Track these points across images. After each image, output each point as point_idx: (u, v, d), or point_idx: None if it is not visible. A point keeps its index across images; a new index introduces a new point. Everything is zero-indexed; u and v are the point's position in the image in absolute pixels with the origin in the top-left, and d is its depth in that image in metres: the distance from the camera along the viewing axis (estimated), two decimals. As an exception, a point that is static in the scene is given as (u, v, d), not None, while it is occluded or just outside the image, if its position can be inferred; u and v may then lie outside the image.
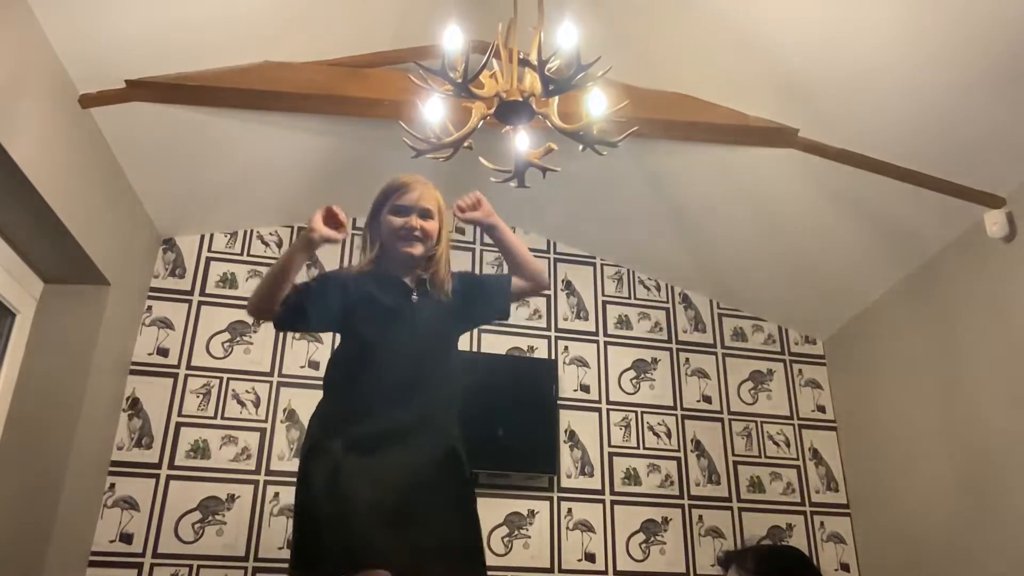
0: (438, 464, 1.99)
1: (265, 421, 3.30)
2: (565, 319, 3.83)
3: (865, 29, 2.47)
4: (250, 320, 3.44)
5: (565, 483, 3.48)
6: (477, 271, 3.75)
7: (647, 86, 2.90)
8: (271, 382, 3.37)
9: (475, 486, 2.13)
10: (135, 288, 3.26)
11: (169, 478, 3.12)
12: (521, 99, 2.02)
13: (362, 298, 2.07)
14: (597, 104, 2.03)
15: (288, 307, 2.00)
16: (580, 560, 3.36)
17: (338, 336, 2.26)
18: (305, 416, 3.29)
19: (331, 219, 1.99)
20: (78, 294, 2.89)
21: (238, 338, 3.42)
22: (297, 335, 3.47)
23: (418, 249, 2.11)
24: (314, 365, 3.42)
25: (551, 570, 3.32)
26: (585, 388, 3.70)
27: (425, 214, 2.12)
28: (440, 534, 1.91)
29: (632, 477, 3.57)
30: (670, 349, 3.89)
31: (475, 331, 3.65)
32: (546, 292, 3.80)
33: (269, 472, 3.21)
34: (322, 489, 1.87)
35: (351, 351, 2.10)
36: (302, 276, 2.12)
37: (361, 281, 2.09)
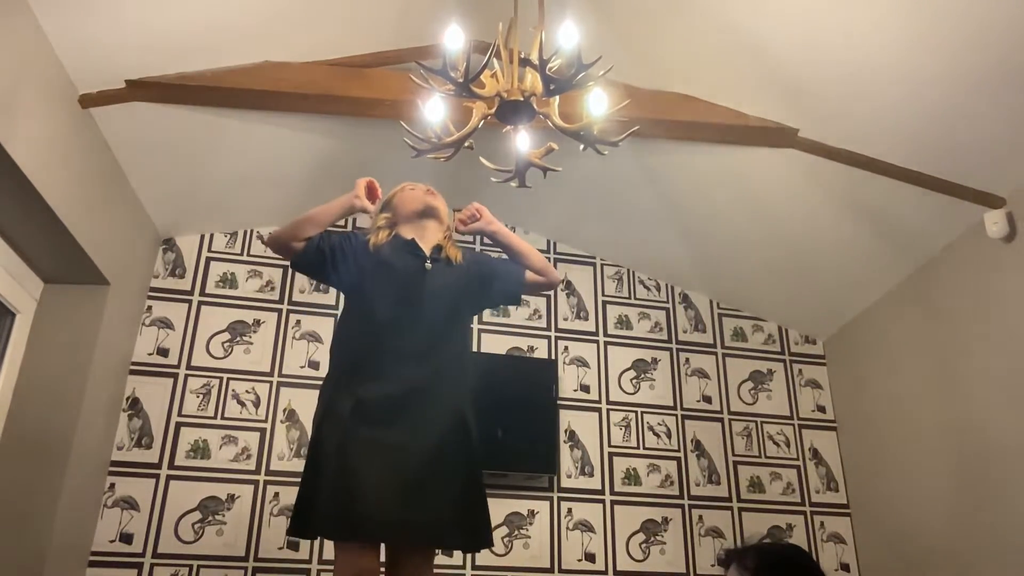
0: (446, 436, 2.02)
1: (265, 421, 3.30)
2: (565, 319, 3.83)
3: (865, 29, 2.47)
4: (249, 320, 3.44)
5: (565, 483, 3.48)
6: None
7: (647, 86, 2.90)
8: (271, 382, 3.37)
9: (483, 459, 2.16)
10: (135, 288, 3.25)
11: (169, 478, 3.12)
12: (522, 99, 2.02)
13: (377, 263, 2.15)
14: (598, 104, 2.03)
15: (310, 248, 2.12)
16: (580, 560, 3.36)
17: (339, 320, 2.32)
18: (305, 416, 3.30)
19: (370, 192, 2.19)
20: (78, 294, 2.89)
21: (238, 338, 3.41)
22: (297, 335, 3.47)
23: (438, 201, 2.27)
24: (314, 365, 3.42)
25: (551, 570, 3.32)
26: (585, 388, 3.70)
27: (435, 192, 2.31)
28: (445, 508, 1.95)
29: (632, 477, 3.57)
30: (670, 349, 3.89)
31: (475, 331, 3.65)
32: (549, 293, 3.81)
33: (269, 472, 3.21)
34: (332, 459, 1.92)
35: (362, 313, 2.14)
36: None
37: (377, 248, 2.19)
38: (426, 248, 2.22)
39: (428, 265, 2.18)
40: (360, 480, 1.88)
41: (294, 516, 1.97)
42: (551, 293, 3.85)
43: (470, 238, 3.74)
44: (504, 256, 2.37)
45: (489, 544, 2.07)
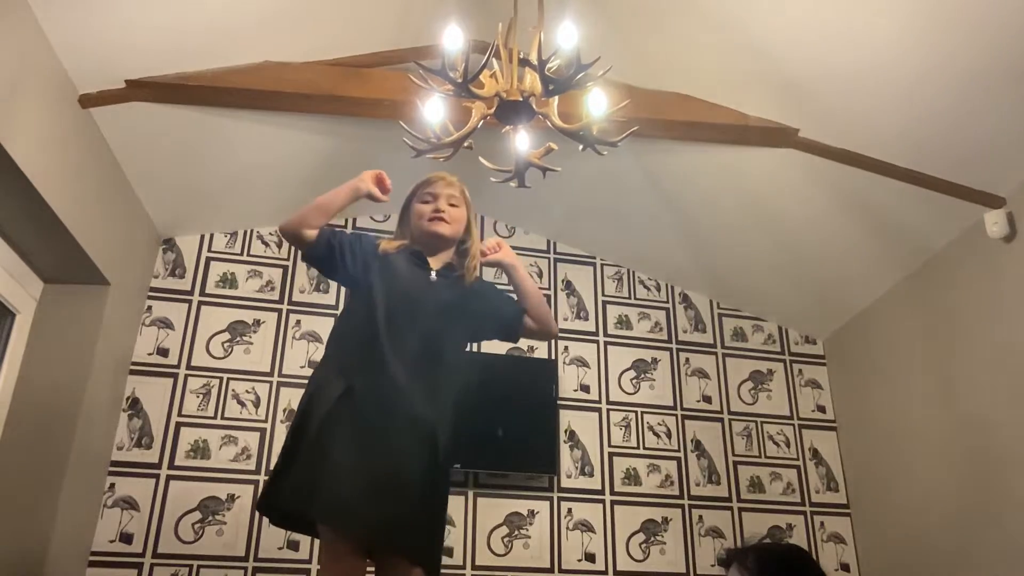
0: (414, 448, 2.01)
1: (265, 421, 3.30)
2: (565, 319, 3.83)
3: (865, 29, 2.47)
4: (249, 320, 3.45)
5: (565, 483, 3.48)
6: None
7: (647, 86, 2.90)
8: (271, 382, 3.37)
9: (449, 476, 2.18)
10: (135, 288, 3.26)
11: (169, 478, 3.12)
12: (521, 99, 2.02)
13: (384, 266, 2.16)
14: (597, 104, 2.03)
15: (321, 242, 2.13)
16: (580, 560, 3.36)
17: (340, 315, 2.34)
18: (305, 416, 3.30)
19: (380, 184, 2.17)
20: (78, 294, 2.88)
21: (238, 338, 3.42)
22: (297, 335, 3.47)
23: (444, 228, 2.21)
24: (314, 365, 3.41)
25: (551, 570, 3.32)
26: (585, 388, 3.70)
27: (452, 200, 2.24)
28: (401, 515, 1.93)
29: (632, 477, 3.57)
30: (670, 349, 3.89)
31: (475, 331, 3.65)
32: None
33: (269, 472, 3.21)
34: (312, 439, 1.94)
35: (361, 310, 2.14)
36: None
37: (388, 254, 2.19)
38: (433, 264, 2.21)
39: (433, 277, 2.18)
40: (334, 466, 1.89)
41: (264, 492, 2.00)
42: (551, 293, 3.85)
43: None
44: (510, 294, 2.37)
45: (434, 563, 2.02)
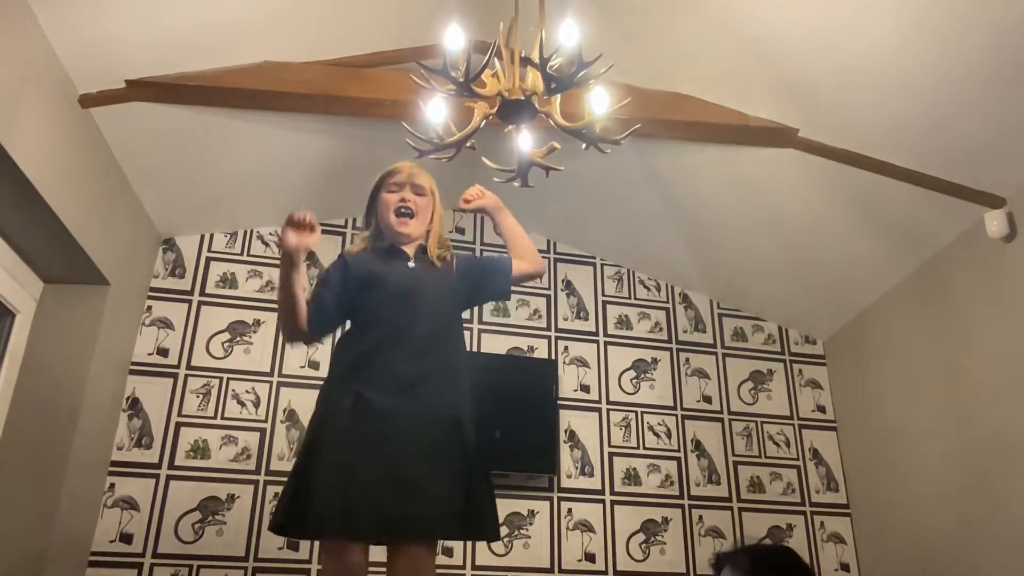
0: (441, 432, 2.02)
1: (265, 421, 3.29)
2: (565, 319, 3.83)
3: (865, 29, 2.47)
4: (249, 320, 3.44)
5: (565, 483, 3.48)
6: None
7: (647, 86, 2.90)
8: (271, 382, 3.37)
9: (484, 452, 2.13)
10: (135, 288, 3.25)
11: (169, 478, 3.12)
12: (523, 98, 2.02)
13: (363, 272, 2.16)
14: (599, 102, 2.03)
15: (312, 322, 2.11)
16: (580, 560, 3.36)
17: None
18: (305, 416, 3.30)
19: (299, 225, 2.02)
20: (78, 294, 2.88)
21: (238, 338, 3.41)
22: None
23: (411, 228, 2.22)
24: (314, 365, 3.42)
25: (551, 570, 3.32)
26: (585, 388, 3.70)
27: (417, 190, 2.25)
28: (441, 501, 1.93)
29: (632, 477, 3.57)
30: (670, 349, 3.89)
31: (475, 331, 3.65)
32: (539, 281, 3.82)
33: (269, 472, 3.21)
34: (332, 453, 1.93)
35: (359, 320, 2.16)
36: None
37: (359, 259, 2.20)
38: (408, 251, 2.23)
39: (411, 264, 2.19)
40: (360, 475, 1.88)
41: (283, 511, 1.95)
42: (551, 293, 3.85)
43: (464, 221, 3.76)
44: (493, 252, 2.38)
45: (493, 535, 2.04)
